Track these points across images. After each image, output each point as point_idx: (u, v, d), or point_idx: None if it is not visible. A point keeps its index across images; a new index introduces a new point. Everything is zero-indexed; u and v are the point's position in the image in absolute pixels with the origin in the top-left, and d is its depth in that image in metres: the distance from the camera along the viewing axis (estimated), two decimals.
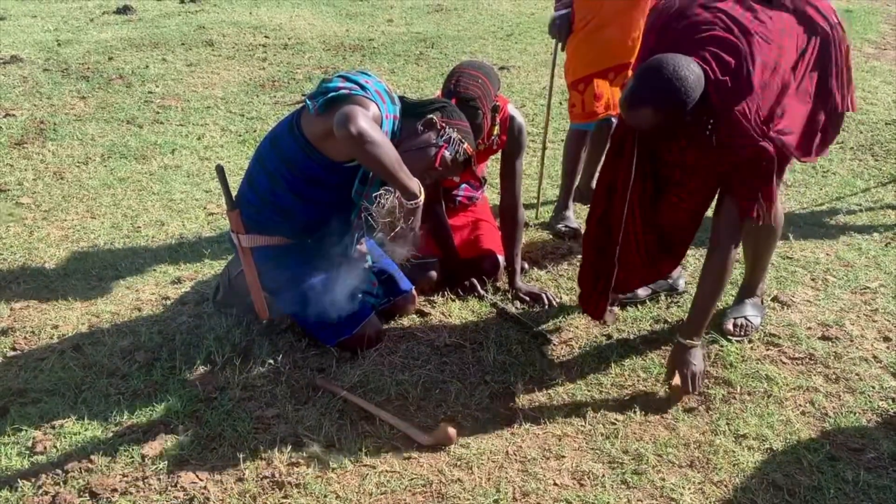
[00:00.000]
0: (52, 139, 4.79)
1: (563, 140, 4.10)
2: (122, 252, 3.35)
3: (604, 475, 2.05)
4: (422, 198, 2.35)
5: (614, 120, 3.80)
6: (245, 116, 5.33)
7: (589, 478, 2.05)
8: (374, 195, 2.41)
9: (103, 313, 2.81)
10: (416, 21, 8.63)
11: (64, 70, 6.35)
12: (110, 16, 8.72)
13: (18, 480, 1.99)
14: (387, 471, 2.05)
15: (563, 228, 3.56)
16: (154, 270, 3.17)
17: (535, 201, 3.89)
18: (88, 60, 6.65)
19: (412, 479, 2.02)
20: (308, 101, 2.40)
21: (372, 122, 2.21)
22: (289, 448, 2.11)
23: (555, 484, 2.02)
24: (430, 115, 2.48)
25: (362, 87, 2.37)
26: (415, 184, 2.32)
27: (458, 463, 2.09)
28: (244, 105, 5.59)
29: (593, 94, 3.45)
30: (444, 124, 2.47)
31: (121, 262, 3.23)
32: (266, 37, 7.69)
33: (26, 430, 2.19)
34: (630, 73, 3.52)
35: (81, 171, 4.31)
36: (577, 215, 3.77)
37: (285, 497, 1.95)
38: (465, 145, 2.50)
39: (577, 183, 3.79)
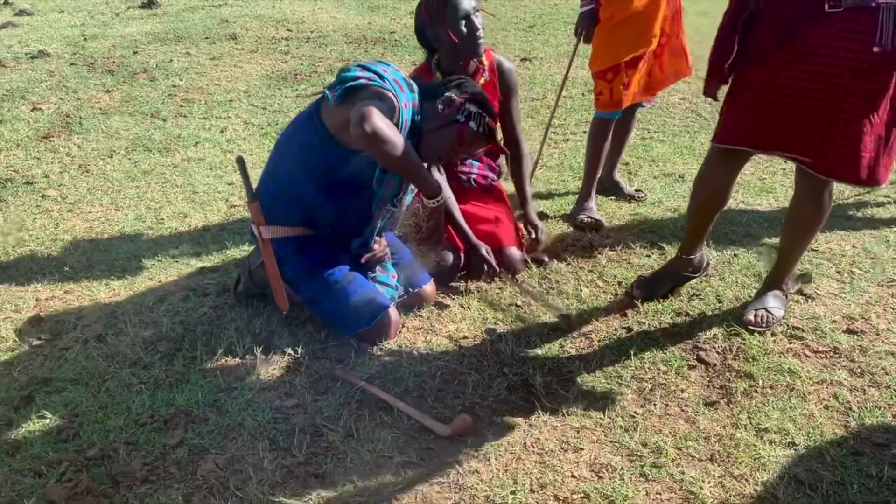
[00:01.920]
0: (78, 132, 4.85)
1: (585, 132, 4.08)
2: (146, 244, 3.38)
3: (622, 468, 2.04)
4: (443, 194, 2.36)
5: (646, 104, 3.78)
6: (267, 109, 5.36)
7: (607, 470, 2.03)
8: (395, 199, 2.43)
9: (126, 304, 2.84)
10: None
11: (90, 64, 6.42)
12: (135, 10, 8.80)
13: (43, 468, 2.02)
14: (405, 461, 2.05)
15: (585, 219, 3.53)
16: (177, 262, 3.20)
17: (554, 192, 3.88)
18: (114, 55, 6.72)
19: (430, 470, 2.02)
20: (327, 92, 2.40)
21: (387, 120, 2.21)
22: (308, 438, 2.12)
23: (573, 476, 2.01)
24: (449, 93, 2.47)
25: (381, 77, 2.38)
26: (434, 181, 2.33)
27: (476, 454, 2.08)
28: (266, 98, 5.62)
29: (622, 83, 3.43)
30: (463, 100, 2.47)
31: (144, 254, 3.26)
32: (289, 30, 7.72)
33: (50, 419, 2.22)
34: (655, 59, 3.50)
35: (106, 163, 4.36)
36: (600, 207, 3.75)
37: (304, 486, 1.96)
38: (487, 118, 2.49)
39: (599, 174, 3.76)
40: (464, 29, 2.85)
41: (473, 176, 3.12)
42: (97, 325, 2.70)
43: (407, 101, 2.42)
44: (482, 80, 3.03)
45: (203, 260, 3.22)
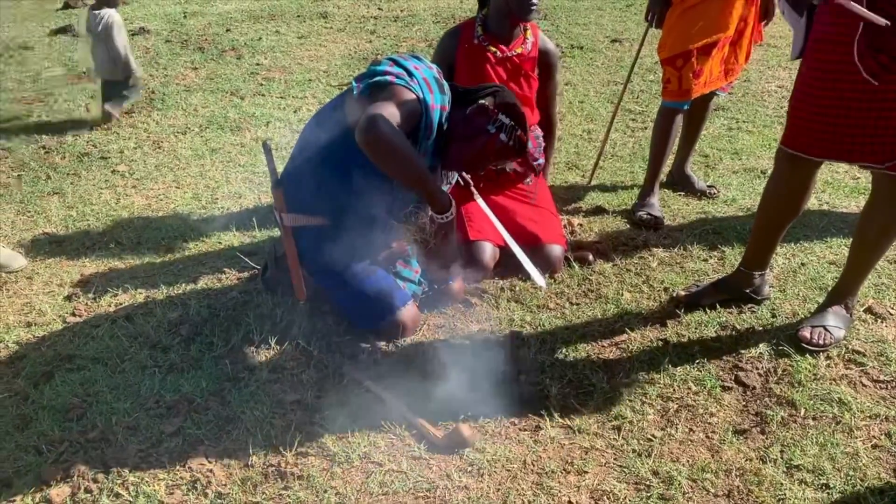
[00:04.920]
0: (159, 109, 4.99)
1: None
2: (196, 223, 3.42)
3: (626, 498, 1.87)
4: (453, 210, 2.24)
5: (719, 93, 3.50)
6: (343, 90, 5.33)
7: (609, 498, 1.87)
8: (404, 213, 2.34)
9: (161, 284, 2.87)
10: None
11: (184, 41, 6.61)
12: None
13: (44, 446, 2.06)
14: (393, 470, 1.96)
15: (644, 216, 3.31)
16: (219, 243, 3.22)
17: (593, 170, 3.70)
18: (208, 32, 6.89)
19: (417, 482, 1.92)
20: (354, 83, 2.32)
21: (395, 128, 2.10)
22: (300, 437, 2.06)
23: (569, 502, 1.86)
24: (482, 101, 2.35)
25: (409, 74, 2.27)
26: (445, 196, 2.22)
27: (470, 468, 1.96)
28: (344, 78, 5.61)
29: (692, 71, 3.18)
30: (496, 110, 2.34)
31: (191, 233, 3.30)
32: (379, 9, 7.70)
33: (64, 397, 2.26)
34: (731, 46, 3.22)
35: (178, 140, 4.46)
36: (664, 203, 3.51)
37: (286, 488, 1.91)
38: (519, 132, 2.35)
39: (665, 167, 3.52)
40: None
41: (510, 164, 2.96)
42: (129, 304, 2.75)
43: (435, 102, 2.31)
44: (521, 50, 2.96)
45: (246, 243, 3.22)
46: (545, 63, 3.04)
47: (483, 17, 2.95)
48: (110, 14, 4.69)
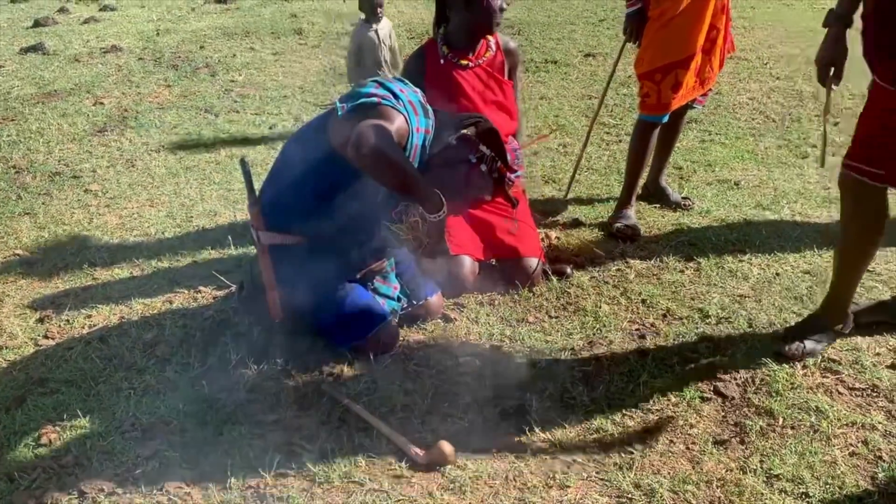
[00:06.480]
0: (132, 127, 4.95)
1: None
2: (170, 242, 3.38)
3: None
4: (445, 209, 2.25)
5: (696, 105, 3.53)
6: (318, 106, 5.33)
7: None
8: (395, 213, 2.34)
9: (136, 305, 2.83)
10: (509, 7, 8.43)
11: (157, 59, 6.57)
12: (211, 5, 9.01)
13: (16, 473, 2.01)
14: (374, 489, 1.94)
15: (621, 227, 3.33)
16: (195, 262, 3.18)
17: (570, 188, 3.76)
18: (181, 49, 6.86)
19: (399, 501, 1.90)
20: (338, 104, 2.32)
21: (387, 139, 2.10)
22: (279, 458, 2.04)
23: None
24: (464, 131, 2.36)
25: (395, 96, 2.28)
26: (436, 196, 2.22)
27: (451, 486, 1.95)
28: (320, 95, 5.60)
29: (672, 85, 3.21)
30: (477, 140, 2.35)
31: (165, 253, 3.26)
32: (352, 24, 7.69)
33: (37, 422, 2.21)
34: (704, 56, 3.25)
35: (152, 158, 4.42)
36: (640, 216, 3.53)
37: None
38: (499, 163, 2.37)
39: (641, 179, 3.54)
40: (491, 4, 2.86)
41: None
42: (103, 325, 2.71)
43: (420, 126, 2.32)
44: (489, 55, 3.04)
45: (221, 261, 3.19)
46: (512, 62, 3.12)
47: (444, 35, 2.99)
48: (358, 27, 4.85)
